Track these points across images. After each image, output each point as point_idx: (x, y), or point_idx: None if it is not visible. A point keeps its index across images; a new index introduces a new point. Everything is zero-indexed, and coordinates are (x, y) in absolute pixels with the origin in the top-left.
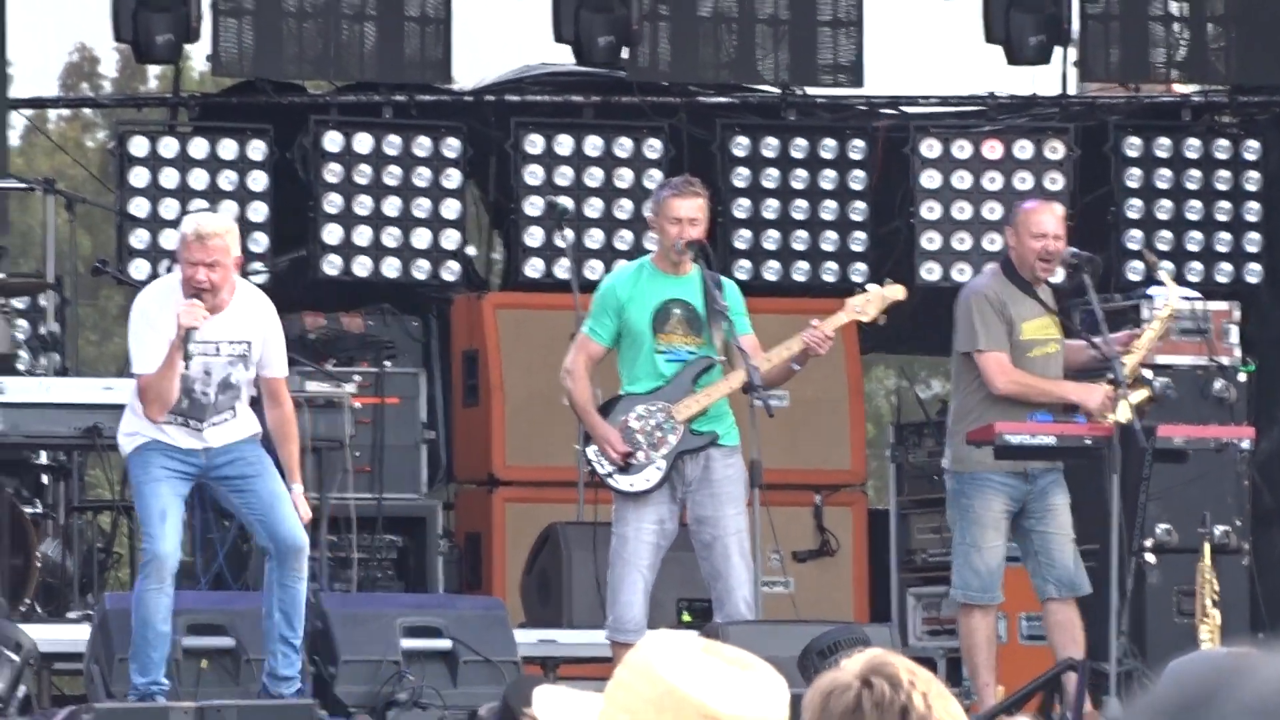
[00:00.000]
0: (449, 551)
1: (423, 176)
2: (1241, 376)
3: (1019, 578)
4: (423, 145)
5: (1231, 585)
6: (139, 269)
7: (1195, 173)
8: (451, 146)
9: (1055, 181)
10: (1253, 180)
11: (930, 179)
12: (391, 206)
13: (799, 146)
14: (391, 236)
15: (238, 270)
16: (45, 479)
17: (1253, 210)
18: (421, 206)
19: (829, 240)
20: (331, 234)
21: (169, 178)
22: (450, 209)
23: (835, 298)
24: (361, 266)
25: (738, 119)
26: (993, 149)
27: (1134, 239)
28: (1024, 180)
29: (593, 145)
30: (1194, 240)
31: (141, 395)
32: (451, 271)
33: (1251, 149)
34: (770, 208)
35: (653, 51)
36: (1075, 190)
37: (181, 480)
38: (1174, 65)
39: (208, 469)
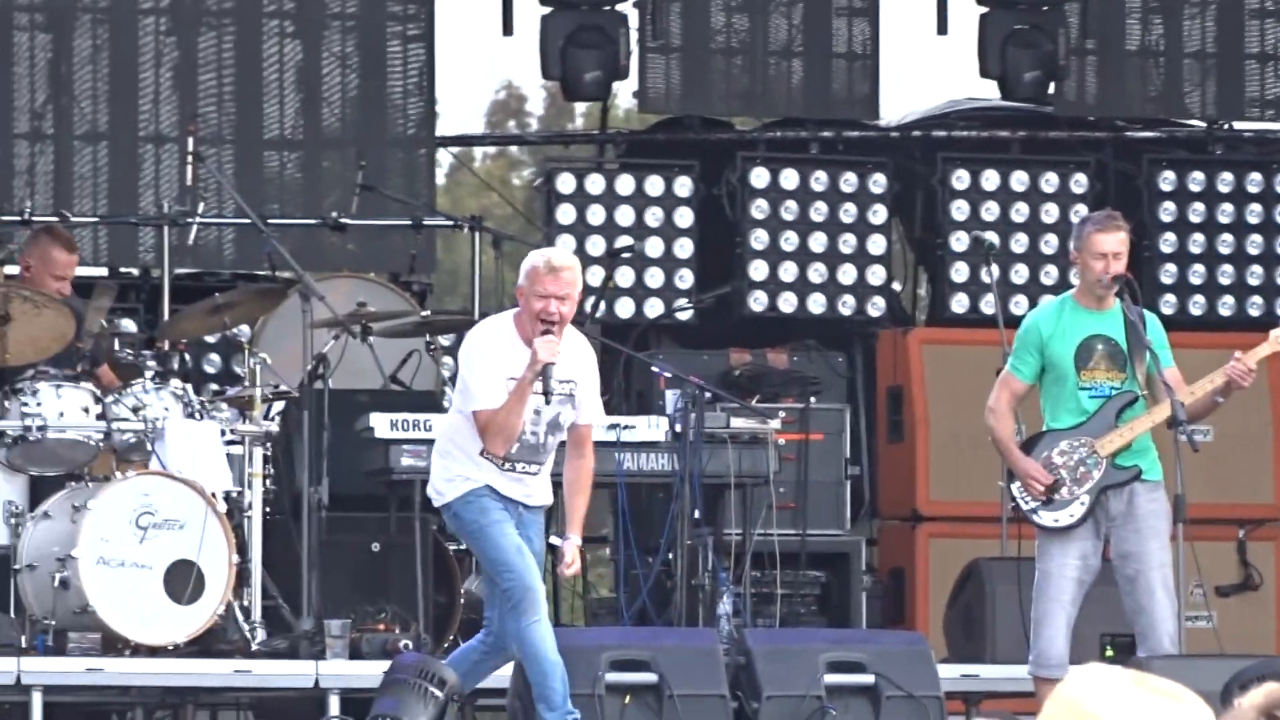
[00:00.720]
0: (872, 587)
1: (849, 212)
2: None
3: None
4: (849, 181)
5: None
6: None
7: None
8: (878, 182)
9: None
10: None
11: None
12: (817, 242)
13: (1225, 181)
14: (817, 272)
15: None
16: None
17: None
18: (847, 242)
19: (1255, 275)
20: (757, 270)
21: (595, 214)
22: (876, 244)
23: (1260, 331)
24: (787, 302)
25: (1164, 153)
26: None
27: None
28: None
29: (1018, 180)
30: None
31: (484, 431)
32: (877, 307)
33: None
34: (1196, 242)
35: (1079, 86)
36: None
37: (511, 516)
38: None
39: (521, 518)
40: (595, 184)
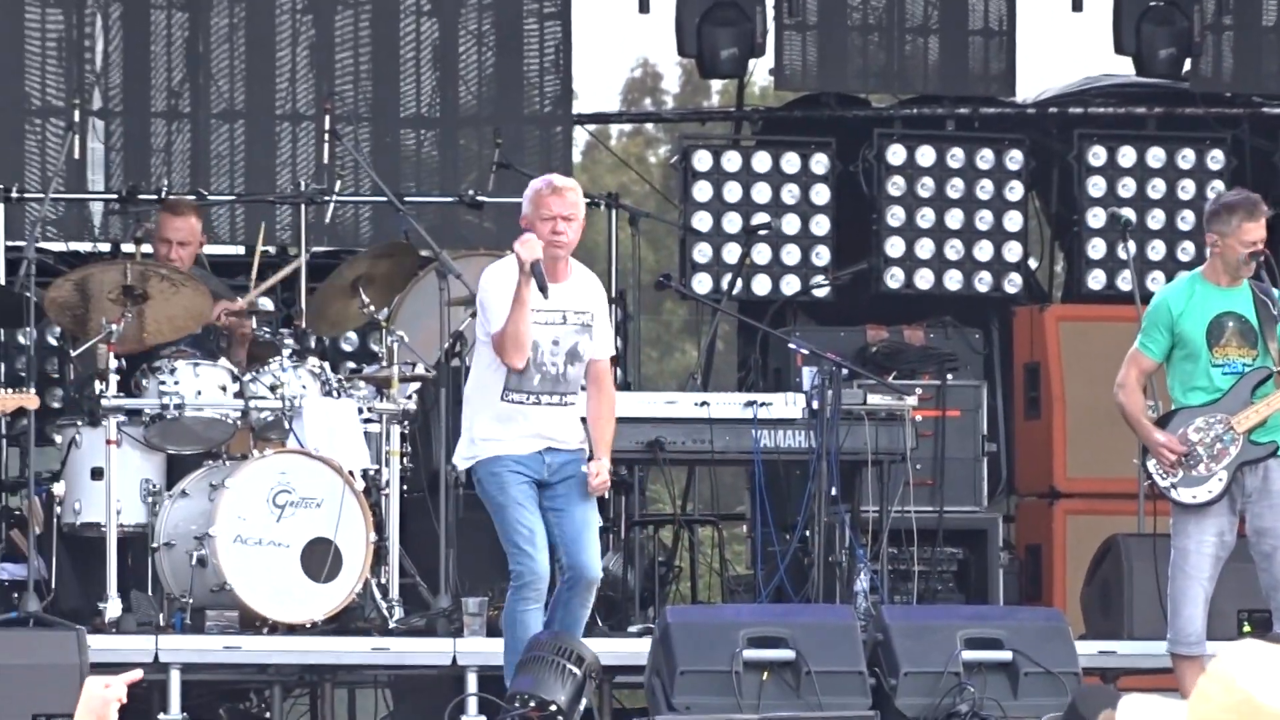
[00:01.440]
0: (1009, 563)
1: (985, 189)
2: None
3: None
4: (985, 158)
5: None
6: (702, 283)
7: None
8: (1014, 159)
9: None
10: None
11: None
12: (954, 219)
13: None
14: (954, 249)
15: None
16: (607, 493)
17: None
18: (984, 219)
19: None
20: (894, 247)
21: (732, 192)
22: (1013, 221)
23: None
24: (924, 279)
25: None
26: None
27: None
28: None
29: (1155, 157)
30: None
31: (500, 349)
32: (1013, 284)
33: None
34: None
35: (1215, 62)
36: None
37: (532, 489)
38: None
39: (548, 478)
40: (732, 161)
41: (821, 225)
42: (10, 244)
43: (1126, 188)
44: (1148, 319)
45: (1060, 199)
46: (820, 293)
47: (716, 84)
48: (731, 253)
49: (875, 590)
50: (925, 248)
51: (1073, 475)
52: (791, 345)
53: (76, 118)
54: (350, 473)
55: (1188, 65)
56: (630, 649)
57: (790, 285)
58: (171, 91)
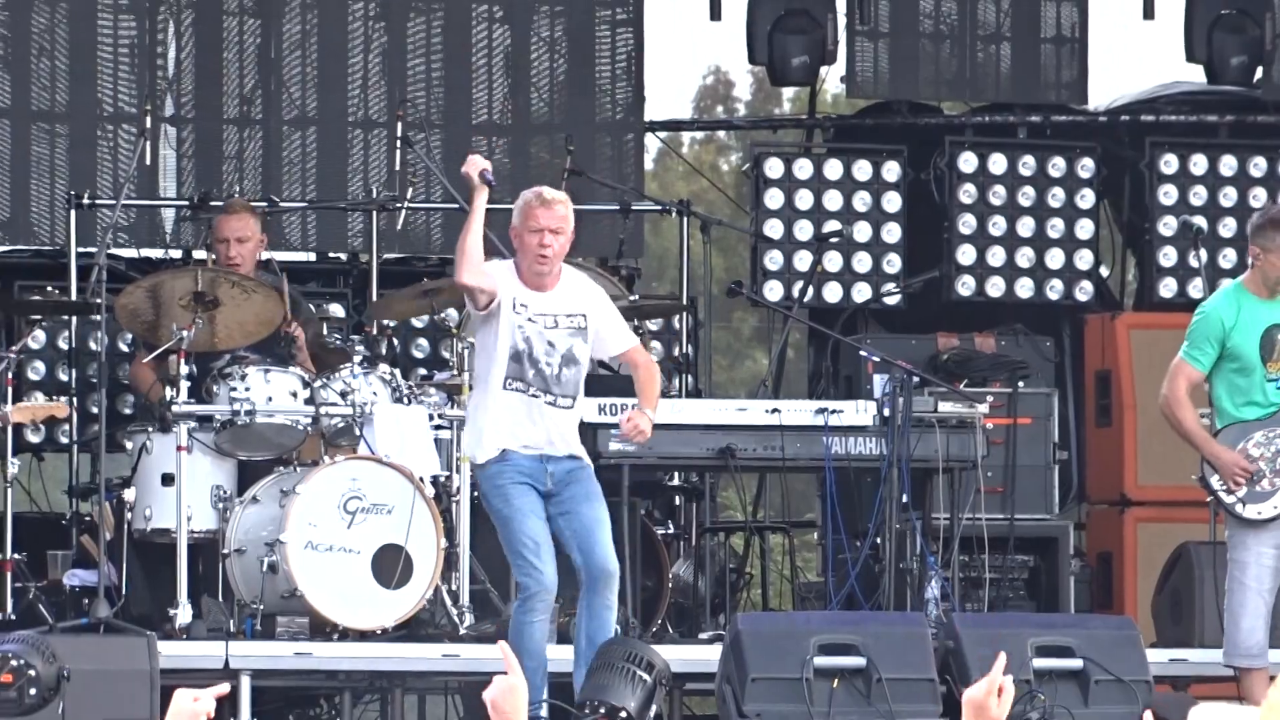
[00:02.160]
0: (1080, 571)
1: (1057, 197)
2: None
3: None
4: (1057, 166)
5: None
6: (773, 290)
7: None
8: (1086, 166)
9: None
10: None
11: None
12: (1025, 227)
13: None
14: (1025, 257)
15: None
16: (677, 500)
17: None
18: (1055, 227)
19: None
20: (965, 254)
21: (804, 199)
22: (1084, 229)
23: None
24: (995, 287)
25: None
26: None
27: None
28: None
29: (1226, 164)
30: None
31: (457, 270)
32: (1085, 291)
33: None
34: None
35: None
36: None
37: (537, 498)
38: None
39: (550, 490)
40: (803, 168)
41: (893, 233)
42: (82, 250)
43: (1198, 195)
44: (1197, 331)
45: (1132, 207)
46: (892, 300)
47: (788, 91)
48: (803, 260)
49: (946, 598)
50: (997, 255)
51: (1144, 483)
52: (863, 353)
53: (148, 124)
54: (421, 479)
55: (1259, 73)
56: (701, 655)
57: (862, 293)
58: (243, 98)
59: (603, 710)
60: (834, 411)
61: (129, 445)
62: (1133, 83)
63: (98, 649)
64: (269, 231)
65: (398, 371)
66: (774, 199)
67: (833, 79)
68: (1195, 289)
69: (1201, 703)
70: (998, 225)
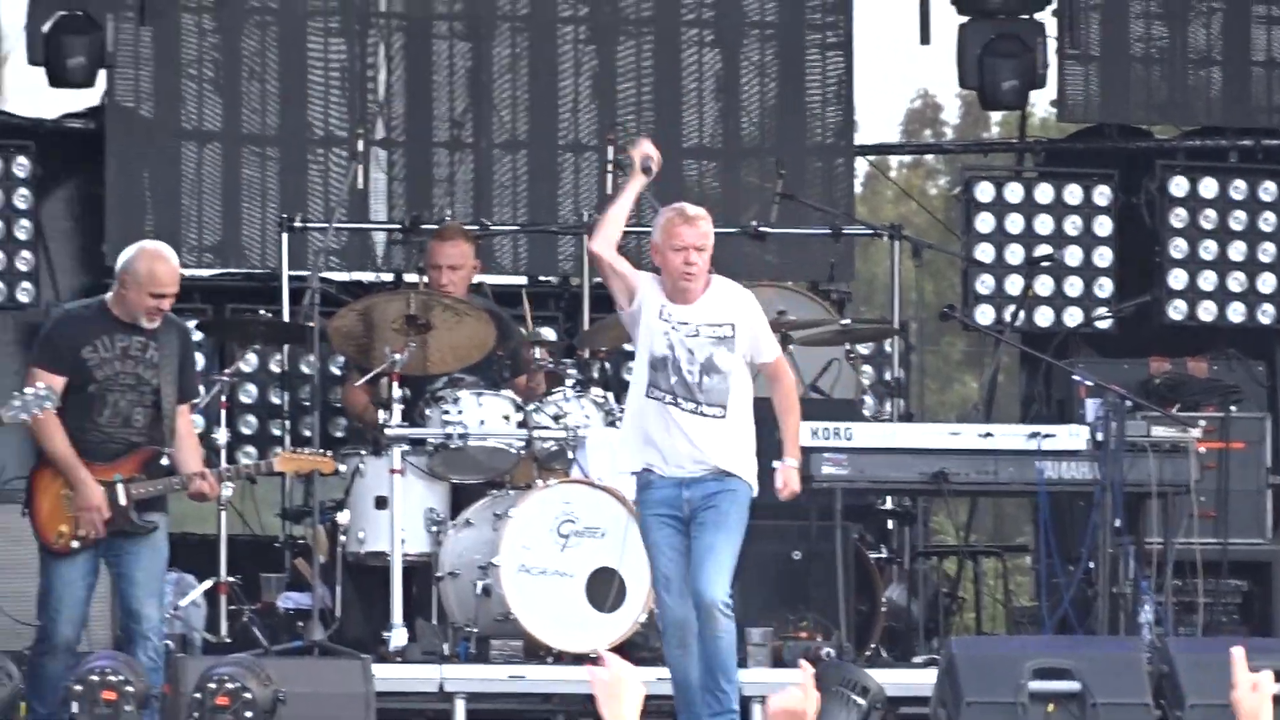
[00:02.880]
0: None
1: (1268, 221)
2: None
3: None
4: (1268, 189)
5: None
6: (984, 314)
7: None
8: None
9: None
10: None
11: None
12: (1237, 251)
13: None
14: (1237, 281)
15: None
16: (890, 524)
17: None
18: (1267, 251)
19: None
20: (1177, 279)
21: (1014, 223)
22: None
23: None
24: (1207, 311)
25: None
26: None
27: None
28: None
29: None
30: None
31: (592, 236)
32: None
33: None
34: None
35: None
36: None
37: (675, 530)
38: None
39: (688, 515)
40: (1014, 192)
41: (1104, 257)
42: (294, 274)
43: None
44: None
45: None
46: (1103, 324)
47: (996, 115)
48: (1014, 284)
49: (1160, 622)
50: (1208, 279)
51: None
52: (1075, 377)
53: (359, 147)
54: (634, 502)
55: None
56: (915, 679)
57: (1073, 317)
58: (454, 121)
59: None
60: (1046, 436)
61: (342, 468)
62: None
63: (312, 672)
64: (480, 255)
65: (610, 395)
66: (985, 223)
67: (1042, 103)
68: None
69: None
70: (1209, 249)
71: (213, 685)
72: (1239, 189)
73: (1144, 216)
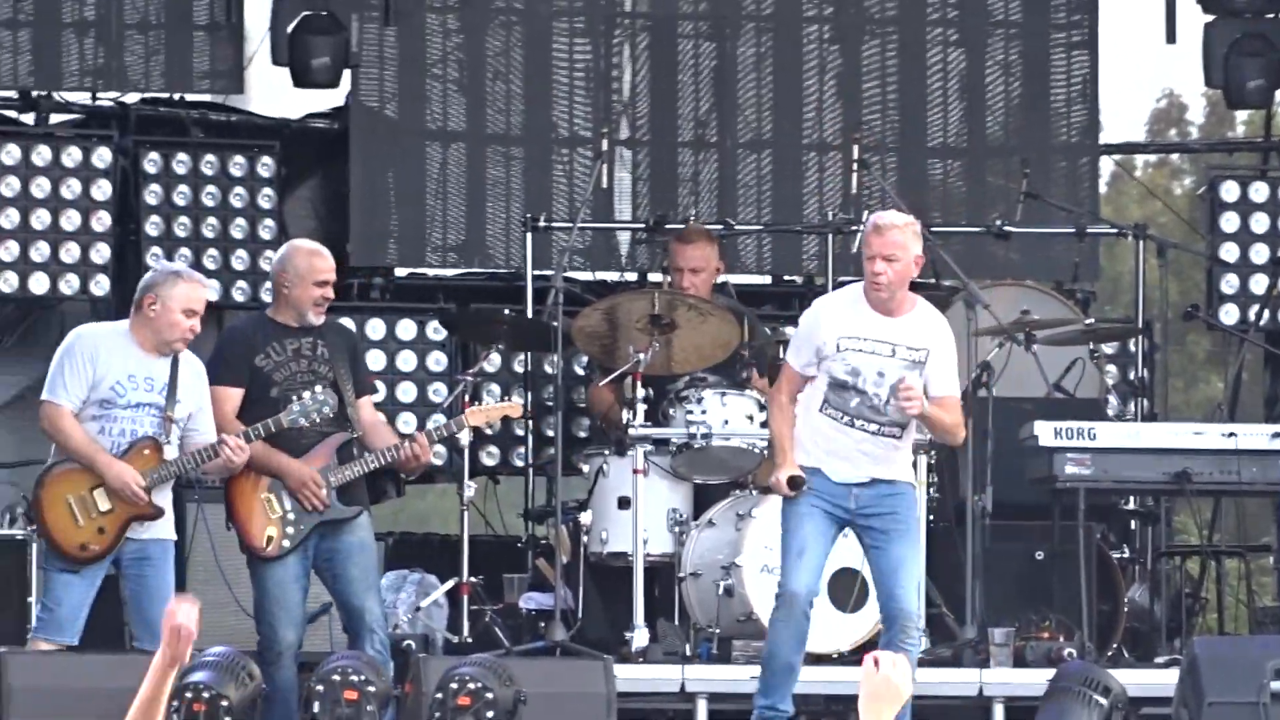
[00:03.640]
0: None
1: None
2: None
3: None
4: None
5: None
6: (1229, 314)
7: None
8: None
9: None
10: None
11: None
12: None
13: None
14: None
15: (918, 270)
16: (1133, 524)
17: None
18: None
19: None
20: None
21: (1259, 222)
22: None
23: None
24: None
25: None
26: None
27: None
28: None
29: None
30: None
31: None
32: None
33: None
34: None
35: None
36: None
37: (825, 515)
38: None
39: (856, 513)
40: (1259, 192)
41: None
42: (538, 273)
43: None
44: None
45: None
46: None
47: (1241, 114)
48: (1259, 283)
49: None
50: None
51: None
52: None
53: (604, 147)
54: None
55: None
56: (1157, 680)
57: None
58: (698, 121)
59: None
60: None
61: (585, 468)
62: None
63: (554, 672)
64: (724, 255)
65: None
66: (1229, 222)
67: None
68: None
69: None
70: None
71: (454, 685)
72: None
73: None
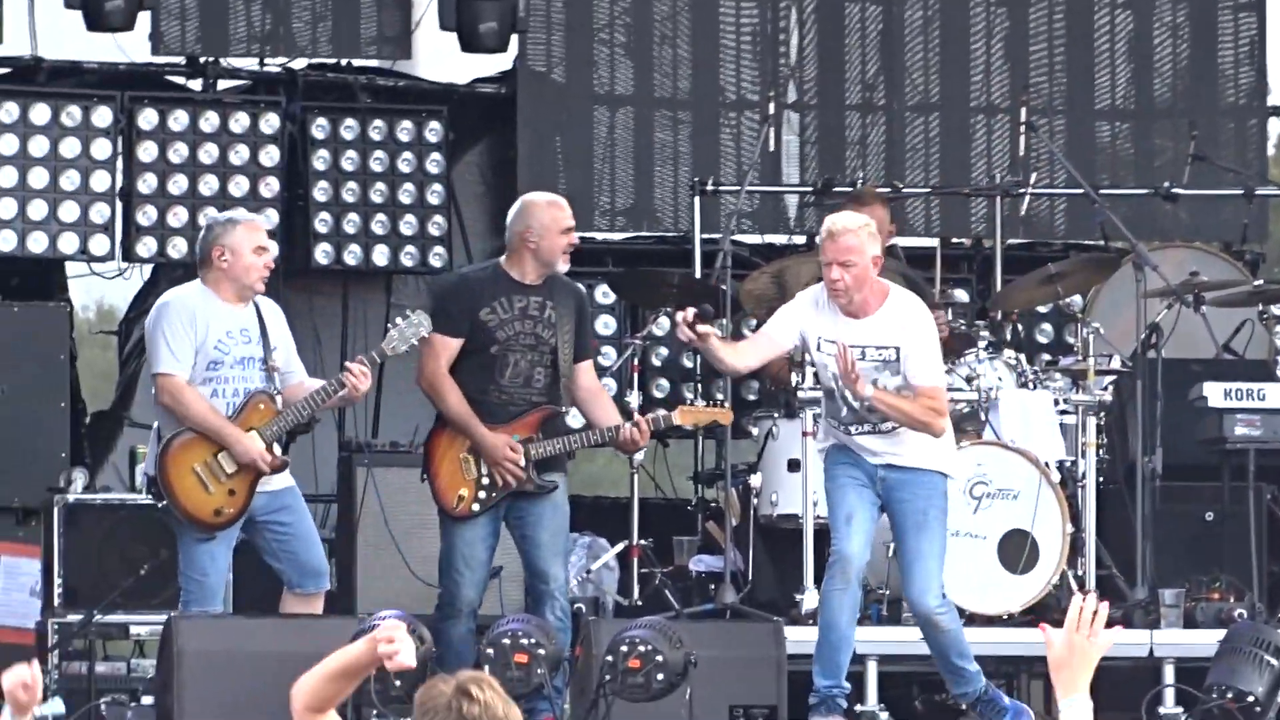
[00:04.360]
0: None
1: None
2: None
3: None
4: None
5: None
6: None
7: None
8: None
9: None
10: None
11: None
12: None
13: None
14: None
15: (877, 269)
16: None
17: None
18: None
19: None
20: None
21: None
22: None
23: None
24: None
25: None
26: None
27: None
28: None
29: None
30: None
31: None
32: None
33: None
34: None
35: None
36: None
37: (863, 486)
38: None
39: (883, 497)
40: None
41: None
42: (706, 236)
43: None
44: None
45: None
46: None
47: None
48: None
49: None
50: None
51: None
52: None
53: (771, 110)
54: (1046, 464)
55: None
56: None
57: None
58: (865, 84)
59: (1230, 695)
60: None
61: (754, 431)
62: None
63: (724, 635)
64: (892, 218)
65: (1023, 356)
66: None
67: None
68: None
69: None
70: None
71: (624, 648)
72: None
73: None
